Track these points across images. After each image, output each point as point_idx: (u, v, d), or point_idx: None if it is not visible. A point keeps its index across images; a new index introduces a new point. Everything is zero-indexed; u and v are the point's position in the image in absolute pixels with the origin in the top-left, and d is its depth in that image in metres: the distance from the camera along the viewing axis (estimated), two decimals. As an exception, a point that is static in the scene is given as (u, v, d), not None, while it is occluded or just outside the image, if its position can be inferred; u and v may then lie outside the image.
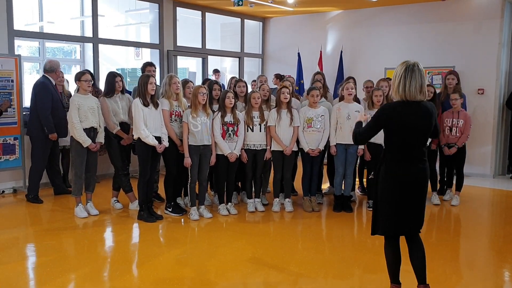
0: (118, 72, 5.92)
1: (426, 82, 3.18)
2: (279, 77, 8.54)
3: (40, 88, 6.13)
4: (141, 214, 5.43)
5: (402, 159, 3.19)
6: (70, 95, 6.66)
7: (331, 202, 6.25)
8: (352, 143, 5.69)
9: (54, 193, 6.56)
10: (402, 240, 3.34)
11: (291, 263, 4.23)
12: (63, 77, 6.80)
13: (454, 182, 6.46)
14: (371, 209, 3.42)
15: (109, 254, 4.59)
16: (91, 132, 5.45)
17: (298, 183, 6.43)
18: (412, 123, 3.14)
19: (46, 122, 6.09)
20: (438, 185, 6.56)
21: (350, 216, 5.79)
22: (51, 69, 6.28)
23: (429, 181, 3.34)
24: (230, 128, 5.61)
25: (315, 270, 4.06)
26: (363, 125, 3.46)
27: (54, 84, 6.29)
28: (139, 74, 5.77)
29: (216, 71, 10.57)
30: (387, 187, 3.23)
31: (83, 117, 5.38)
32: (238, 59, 10.85)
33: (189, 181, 5.53)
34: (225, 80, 11.51)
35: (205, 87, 5.50)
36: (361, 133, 3.36)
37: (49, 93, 6.11)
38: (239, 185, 6.42)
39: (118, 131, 5.67)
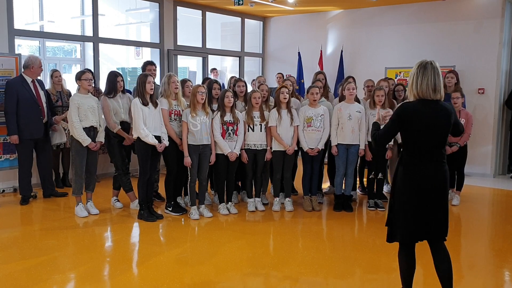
0: (118, 71, 5.89)
1: (441, 80, 3.03)
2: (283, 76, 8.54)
3: (5, 88, 5.93)
4: (142, 213, 5.44)
5: (420, 160, 3.05)
6: (70, 94, 6.66)
7: (331, 202, 6.25)
8: (353, 143, 5.77)
9: (43, 195, 6.30)
10: (418, 248, 3.23)
11: (291, 262, 4.22)
12: (60, 76, 6.78)
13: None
14: (387, 210, 3.23)
15: (109, 253, 4.59)
16: (91, 131, 5.45)
17: (298, 183, 6.43)
18: (430, 123, 3.01)
19: (6, 123, 5.94)
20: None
21: (350, 215, 5.79)
22: (25, 65, 6.00)
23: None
24: (230, 128, 5.60)
25: (316, 270, 4.06)
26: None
27: (30, 81, 5.96)
28: (140, 73, 5.76)
29: (214, 69, 10.56)
30: (405, 190, 3.08)
31: (83, 116, 5.37)
32: (238, 58, 10.84)
33: (189, 180, 5.53)
34: (225, 79, 11.52)
35: (204, 86, 5.50)
36: (381, 135, 3.21)
37: (12, 93, 5.84)
38: (239, 184, 6.42)
39: (119, 130, 5.67)
